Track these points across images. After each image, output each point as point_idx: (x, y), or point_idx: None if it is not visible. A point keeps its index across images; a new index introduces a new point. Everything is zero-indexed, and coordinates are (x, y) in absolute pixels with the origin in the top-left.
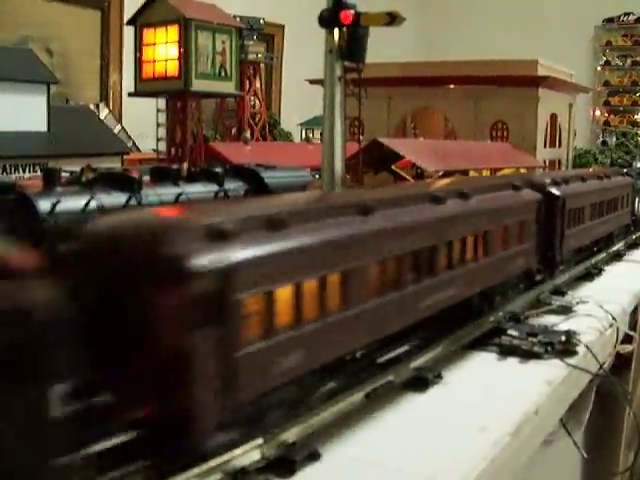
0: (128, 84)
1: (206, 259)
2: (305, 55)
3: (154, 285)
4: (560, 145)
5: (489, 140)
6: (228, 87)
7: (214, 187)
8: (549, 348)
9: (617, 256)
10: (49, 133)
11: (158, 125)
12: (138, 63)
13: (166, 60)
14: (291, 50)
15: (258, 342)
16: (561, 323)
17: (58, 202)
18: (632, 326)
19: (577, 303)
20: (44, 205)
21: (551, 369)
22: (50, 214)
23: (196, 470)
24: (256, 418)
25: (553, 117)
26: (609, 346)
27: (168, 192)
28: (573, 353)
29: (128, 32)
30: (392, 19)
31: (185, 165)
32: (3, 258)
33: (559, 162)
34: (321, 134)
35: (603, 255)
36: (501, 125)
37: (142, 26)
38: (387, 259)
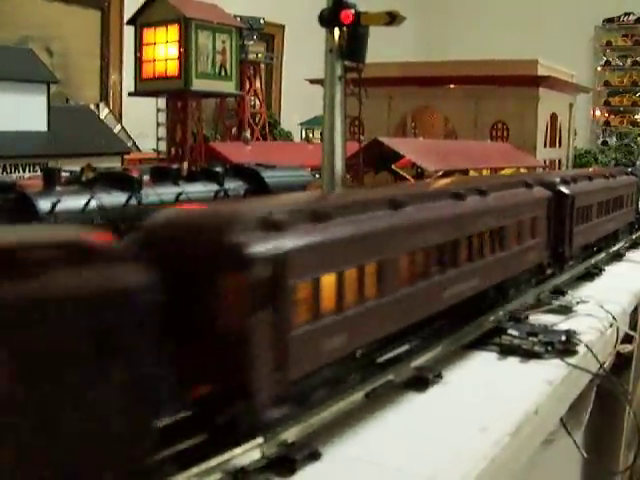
0: (128, 84)
1: (263, 247)
2: (305, 55)
3: (218, 270)
4: (560, 145)
5: (489, 140)
6: (228, 87)
7: (214, 186)
8: (549, 348)
9: (617, 256)
10: (49, 133)
11: (158, 125)
12: (138, 63)
13: (166, 60)
14: (291, 50)
15: (306, 325)
16: (561, 323)
17: (58, 201)
18: (632, 326)
19: (577, 303)
20: (44, 204)
21: (551, 369)
22: (50, 213)
23: (196, 470)
24: (304, 396)
25: (553, 117)
26: (609, 346)
27: (168, 191)
28: (573, 353)
29: (128, 32)
30: (392, 19)
31: (185, 165)
32: (96, 244)
33: (559, 162)
34: (321, 134)
35: (610, 251)
36: (501, 125)
37: (142, 26)
38: (415, 251)
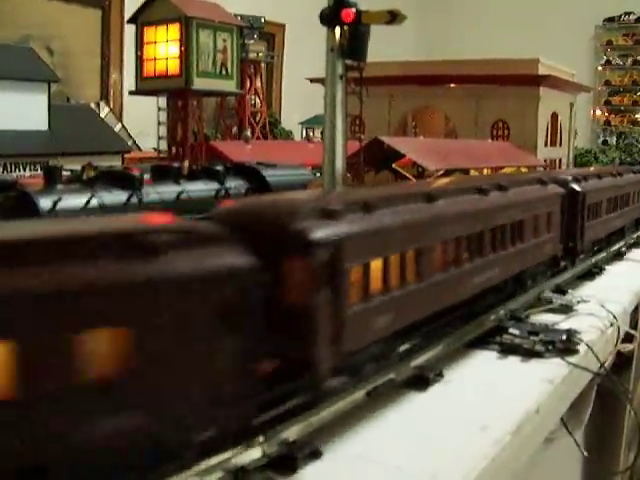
0: (129, 83)
1: (323, 234)
2: (306, 54)
3: (285, 254)
4: (561, 144)
5: (490, 139)
6: (229, 85)
7: (215, 185)
8: (550, 347)
9: (618, 255)
10: (50, 131)
11: (159, 123)
12: (139, 61)
13: (167, 58)
14: (292, 49)
15: (359, 304)
16: (562, 322)
17: (59, 200)
18: (633, 325)
19: (578, 302)
20: (45, 203)
21: (552, 368)
22: (51, 212)
23: (196, 468)
24: (355, 368)
25: (554, 116)
26: (610, 345)
27: (169, 190)
28: (574, 352)
29: (129, 31)
30: (393, 17)
31: (186, 163)
32: (196, 230)
33: (560, 161)
34: (322, 133)
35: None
36: (502, 124)
37: (143, 24)
38: (448, 240)
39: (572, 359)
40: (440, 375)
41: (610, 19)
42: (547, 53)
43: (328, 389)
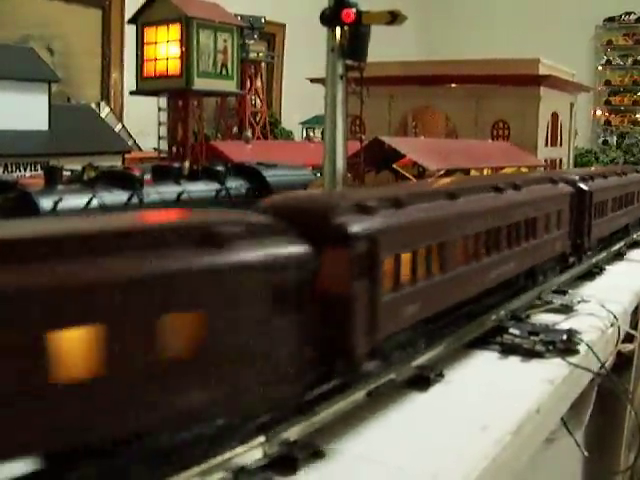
0: (129, 83)
1: (361, 227)
2: (306, 54)
3: (326, 245)
4: (561, 144)
5: (490, 139)
6: (229, 86)
7: (215, 185)
8: (551, 347)
9: (618, 255)
10: (50, 131)
11: (159, 123)
12: (139, 61)
13: (167, 59)
14: (292, 49)
15: (391, 293)
16: (562, 322)
17: (60, 200)
18: (633, 325)
19: (578, 302)
20: (46, 203)
21: (553, 368)
22: (52, 212)
23: (197, 469)
24: (387, 354)
25: (554, 116)
26: (610, 345)
27: (169, 190)
28: (575, 352)
29: (129, 31)
30: (394, 18)
31: (187, 163)
32: (259, 222)
33: (560, 161)
34: (322, 133)
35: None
36: (502, 124)
37: (143, 25)
38: (469, 235)
39: (572, 359)
40: (441, 375)
41: (610, 19)
42: (547, 53)
43: (364, 372)
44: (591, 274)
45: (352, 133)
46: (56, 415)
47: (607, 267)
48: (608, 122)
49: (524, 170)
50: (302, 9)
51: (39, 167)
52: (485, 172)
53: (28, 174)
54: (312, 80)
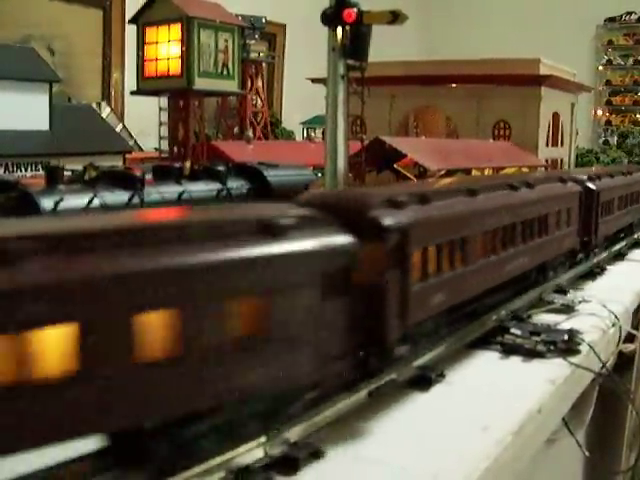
0: (130, 83)
1: (393, 221)
2: (307, 54)
3: (361, 238)
4: (562, 144)
5: (491, 139)
6: (230, 85)
7: (217, 185)
8: (552, 347)
9: (619, 255)
10: (51, 132)
11: (160, 124)
12: (140, 61)
13: (168, 58)
14: (293, 49)
15: (420, 283)
16: (564, 322)
17: (61, 200)
18: (635, 325)
19: (580, 302)
20: (47, 203)
21: (554, 368)
22: (53, 212)
23: (197, 469)
24: (416, 340)
25: (555, 116)
26: (612, 345)
27: (170, 190)
28: (576, 352)
29: (130, 31)
30: (395, 17)
31: (188, 163)
32: (307, 214)
33: (561, 161)
34: (323, 133)
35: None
36: (503, 124)
37: (144, 25)
38: (487, 230)
39: (574, 359)
40: (442, 375)
41: (611, 19)
42: (548, 53)
43: (396, 356)
44: (592, 274)
45: (353, 133)
46: (138, 393)
47: (608, 267)
48: (609, 122)
49: (525, 170)
50: (303, 9)
51: (40, 167)
52: (486, 172)
53: (29, 174)
54: (313, 80)
